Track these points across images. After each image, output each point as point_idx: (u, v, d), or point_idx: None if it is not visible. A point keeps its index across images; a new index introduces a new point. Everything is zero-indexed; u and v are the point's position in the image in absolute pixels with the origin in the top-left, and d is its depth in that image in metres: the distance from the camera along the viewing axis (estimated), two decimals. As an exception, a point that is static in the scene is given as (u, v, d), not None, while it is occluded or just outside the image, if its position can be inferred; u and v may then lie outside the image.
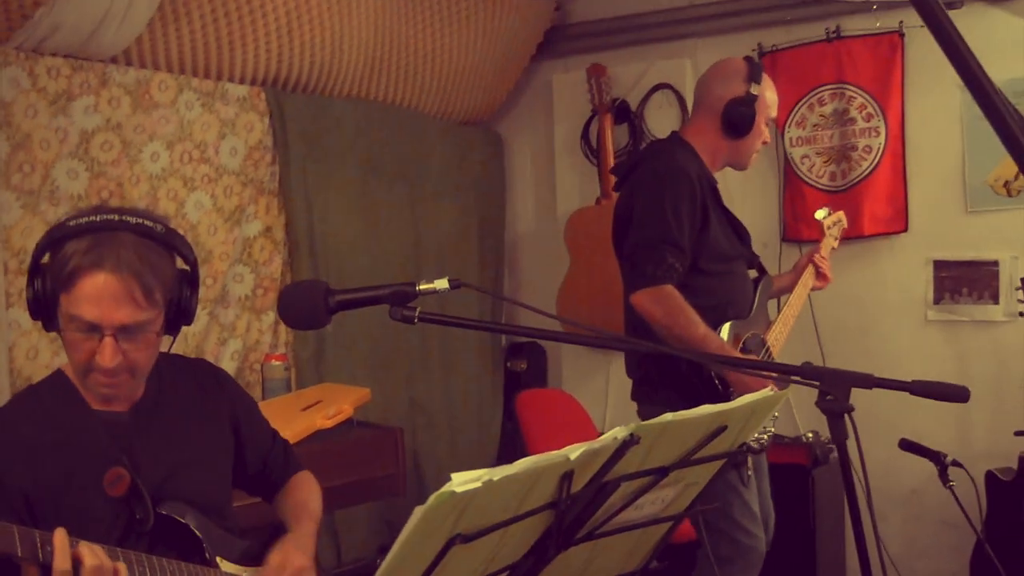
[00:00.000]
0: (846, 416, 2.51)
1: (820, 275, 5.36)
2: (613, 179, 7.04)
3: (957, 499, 4.59)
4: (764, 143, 5.15)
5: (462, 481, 1.82)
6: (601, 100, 7.39)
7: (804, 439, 6.47)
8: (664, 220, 4.69)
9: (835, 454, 6.30)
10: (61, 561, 2.53)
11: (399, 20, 6.69)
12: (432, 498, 1.81)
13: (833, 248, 5.60)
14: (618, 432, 2.06)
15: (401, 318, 2.62)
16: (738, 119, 4.97)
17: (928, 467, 4.90)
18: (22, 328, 5.02)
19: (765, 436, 4.88)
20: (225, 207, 5.88)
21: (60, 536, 2.56)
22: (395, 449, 5.41)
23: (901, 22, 6.69)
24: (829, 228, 5.60)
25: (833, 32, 6.89)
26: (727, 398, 4.61)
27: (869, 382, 2.55)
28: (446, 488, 1.81)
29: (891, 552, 2.64)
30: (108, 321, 2.79)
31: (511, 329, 2.81)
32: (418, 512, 1.82)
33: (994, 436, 6.39)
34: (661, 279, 4.63)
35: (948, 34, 1.71)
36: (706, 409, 2.24)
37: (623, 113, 7.56)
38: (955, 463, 4.72)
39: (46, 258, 2.87)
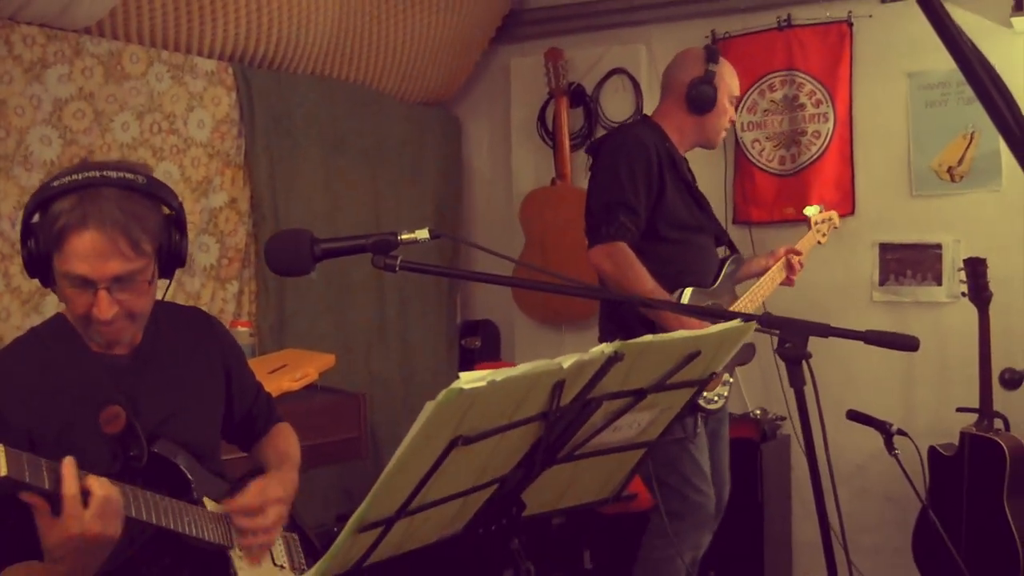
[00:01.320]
0: (804, 363, 2.67)
1: (791, 268, 5.48)
2: (568, 160, 7.26)
3: (902, 466, 4.70)
4: (731, 121, 5.41)
5: (469, 380, 1.97)
6: (558, 84, 7.52)
7: (752, 415, 6.64)
8: (619, 184, 4.99)
9: (782, 429, 6.52)
10: (70, 487, 2.61)
11: (363, 1, 6.79)
12: (441, 394, 1.96)
13: (819, 243, 5.77)
14: (605, 347, 2.22)
15: (383, 266, 2.71)
16: (700, 96, 5.24)
17: (873, 443, 5.06)
18: (-6, 290, 5.12)
19: (717, 398, 5.10)
20: (192, 178, 5.98)
21: (68, 463, 2.64)
22: (358, 414, 5.54)
23: (850, 12, 6.86)
24: (817, 224, 5.75)
25: (784, 20, 7.05)
26: None
27: (825, 331, 2.72)
28: (454, 385, 1.96)
29: (835, 527, 2.78)
30: (100, 275, 2.87)
31: (482, 277, 2.91)
32: (429, 407, 1.97)
33: (937, 413, 6.56)
34: (613, 236, 4.93)
35: (936, 10, 1.80)
36: (681, 333, 2.40)
37: (579, 97, 7.69)
38: (900, 432, 4.85)
39: (36, 218, 2.94)
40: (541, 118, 7.83)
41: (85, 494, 2.65)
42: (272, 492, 3.30)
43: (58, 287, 2.96)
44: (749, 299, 5.28)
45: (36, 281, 4.60)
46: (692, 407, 4.82)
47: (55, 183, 2.90)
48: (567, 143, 7.51)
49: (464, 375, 1.97)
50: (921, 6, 1.79)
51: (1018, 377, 5.55)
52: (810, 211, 5.77)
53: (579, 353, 2.16)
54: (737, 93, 5.44)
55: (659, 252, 5.04)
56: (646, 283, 4.83)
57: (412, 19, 7.18)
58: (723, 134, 5.44)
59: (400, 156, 7.53)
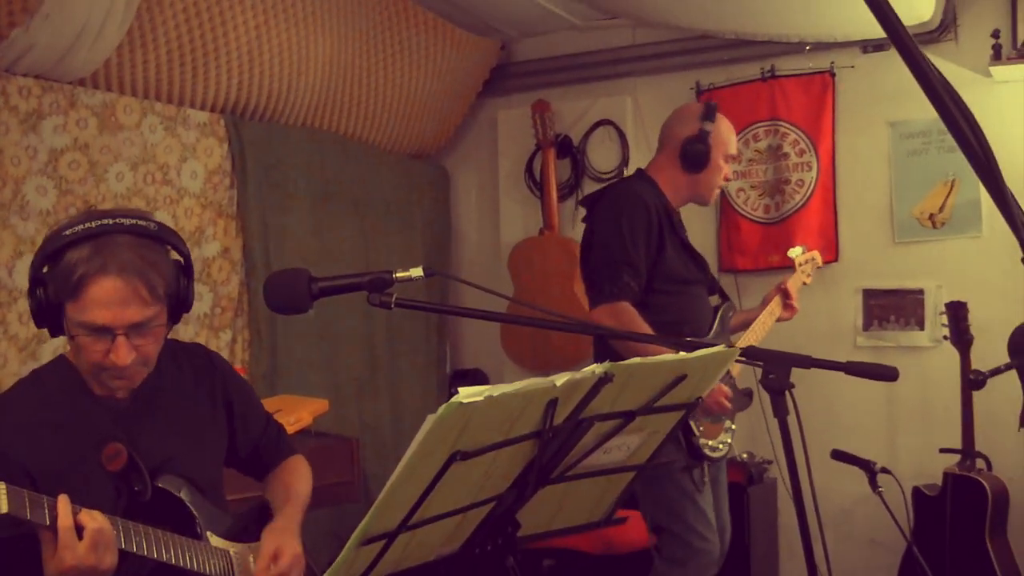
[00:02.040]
0: (787, 394, 2.76)
1: (788, 306, 5.54)
2: (556, 211, 7.31)
3: (885, 503, 4.77)
4: (726, 179, 5.44)
5: (467, 394, 2.06)
6: (545, 135, 7.61)
7: (739, 459, 6.69)
8: (621, 242, 5.02)
9: (769, 473, 6.58)
10: (64, 519, 2.66)
11: (353, 55, 6.89)
12: (441, 408, 2.05)
13: (805, 283, 5.81)
14: (596, 368, 2.31)
15: (379, 303, 2.76)
16: (694, 154, 5.26)
17: (858, 486, 5.14)
18: (-8, 337, 5.19)
19: (721, 446, 5.18)
20: (185, 228, 6.05)
21: (63, 500, 2.69)
22: (351, 458, 5.62)
23: (832, 63, 6.99)
24: (801, 265, 5.80)
25: (768, 71, 7.17)
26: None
27: (807, 362, 2.81)
28: (454, 399, 2.05)
29: (822, 570, 2.84)
30: (119, 322, 2.91)
31: (475, 313, 2.97)
32: (430, 420, 2.07)
33: (920, 455, 6.63)
34: (617, 296, 4.96)
35: (916, 58, 1.87)
36: (669, 356, 2.49)
37: (566, 148, 7.79)
38: (884, 470, 4.93)
39: (45, 269, 2.96)
40: (529, 169, 7.92)
41: (80, 528, 2.69)
42: (289, 548, 3.33)
43: (71, 336, 2.98)
44: (745, 343, 5.31)
45: (33, 328, 4.68)
46: (698, 455, 4.97)
47: (67, 232, 2.92)
48: (555, 194, 7.60)
49: (463, 390, 2.06)
50: (898, 49, 1.87)
51: (982, 378, 5.63)
52: (794, 252, 5.82)
53: (572, 372, 2.25)
54: (733, 152, 5.45)
55: (656, 303, 5.09)
56: (652, 344, 4.77)
57: (401, 73, 7.29)
58: (717, 191, 5.47)
59: (389, 207, 7.61)
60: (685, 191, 5.36)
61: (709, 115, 5.32)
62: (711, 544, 5.14)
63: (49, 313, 2.96)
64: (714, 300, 5.53)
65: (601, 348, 5.18)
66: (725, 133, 5.37)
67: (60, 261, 2.91)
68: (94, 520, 2.71)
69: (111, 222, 2.94)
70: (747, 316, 5.57)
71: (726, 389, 5.05)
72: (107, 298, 2.88)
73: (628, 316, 4.94)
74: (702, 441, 5.05)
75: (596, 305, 5.04)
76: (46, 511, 2.66)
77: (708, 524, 5.15)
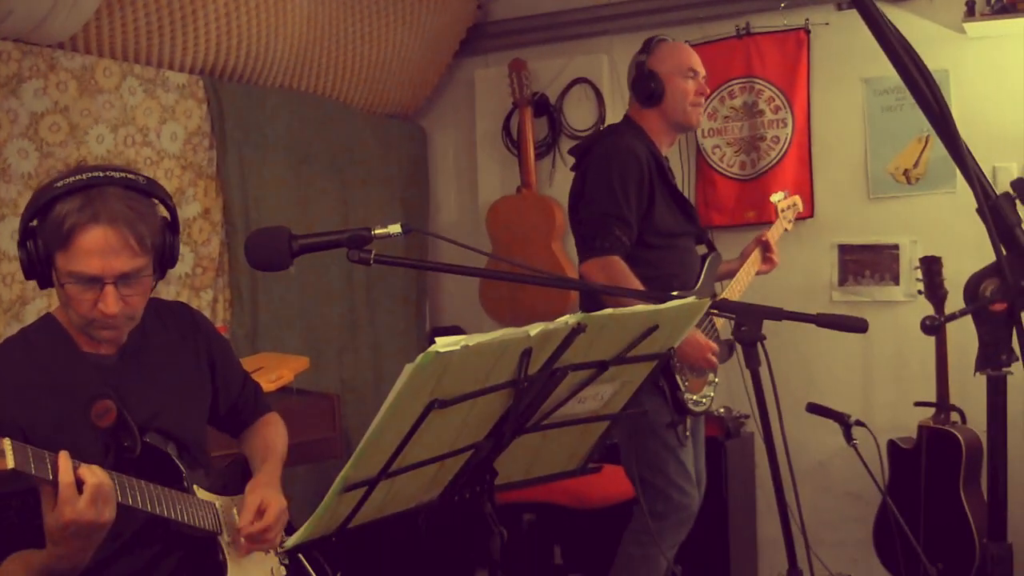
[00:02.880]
0: (758, 345, 2.84)
1: (767, 259, 5.67)
2: (533, 169, 7.34)
3: (860, 455, 4.82)
4: (699, 94, 5.42)
5: (444, 343, 2.12)
6: (521, 94, 7.62)
7: (716, 413, 6.75)
8: (613, 196, 5.07)
9: (746, 427, 6.65)
10: (65, 475, 2.71)
11: (330, 15, 6.90)
12: (419, 357, 2.11)
13: (786, 230, 5.91)
14: (569, 318, 2.37)
15: (358, 259, 2.84)
16: (642, 89, 5.34)
17: (833, 440, 5.20)
18: (-24, 298, 5.23)
19: (704, 399, 5.28)
20: (167, 189, 6.07)
21: (64, 455, 2.74)
22: (332, 414, 5.68)
23: (807, 19, 7.02)
24: (783, 211, 5.91)
25: (743, 29, 7.20)
26: (668, 366, 5.04)
27: (779, 314, 2.90)
28: (431, 349, 2.12)
29: (796, 521, 2.90)
30: (109, 271, 2.98)
31: (454, 268, 3.02)
32: (407, 369, 2.13)
33: (895, 409, 6.70)
34: (608, 250, 5.03)
35: (876, 20, 1.92)
36: (640, 307, 2.55)
37: (543, 106, 7.79)
38: (858, 423, 4.96)
39: (35, 222, 3.03)
40: (506, 128, 7.94)
41: (80, 483, 2.74)
42: (274, 502, 3.43)
43: (60, 287, 3.05)
44: (728, 294, 5.48)
45: (16, 290, 4.73)
46: (682, 409, 5.05)
47: (58, 184, 3.00)
48: (532, 152, 7.61)
49: (440, 340, 2.12)
50: (856, 7, 1.92)
51: (937, 323, 5.67)
52: (775, 198, 5.94)
53: (545, 323, 2.32)
54: (691, 64, 5.42)
55: (646, 258, 5.15)
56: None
57: (378, 33, 7.31)
58: (694, 111, 5.42)
59: (368, 167, 7.65)
60: (663, 126, 5.39)
61: (644, 49, 5.41)
62: (690, 498, 5.23)
63: (39, 265, 3.02)
64: (701, 250, 5.58)
65: (588, 303, 5.20)
66: (667, 54, 5.40)
67: (51, 213, 2.98)
68: (94, 475, 2.76)
69: (101, 174, 3.02)
70: (728, 267, 5.66)
71: (712, 344, 5.11)
72: (97, 247, 2.95)
73: (618, 270, 5.00)
74: (687, 396, 5.13)
75: (586, 259, 5.11)
76: (48, 466, 2.71)
77: (688, 478, 5.23)
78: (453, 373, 2.24)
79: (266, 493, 3.44)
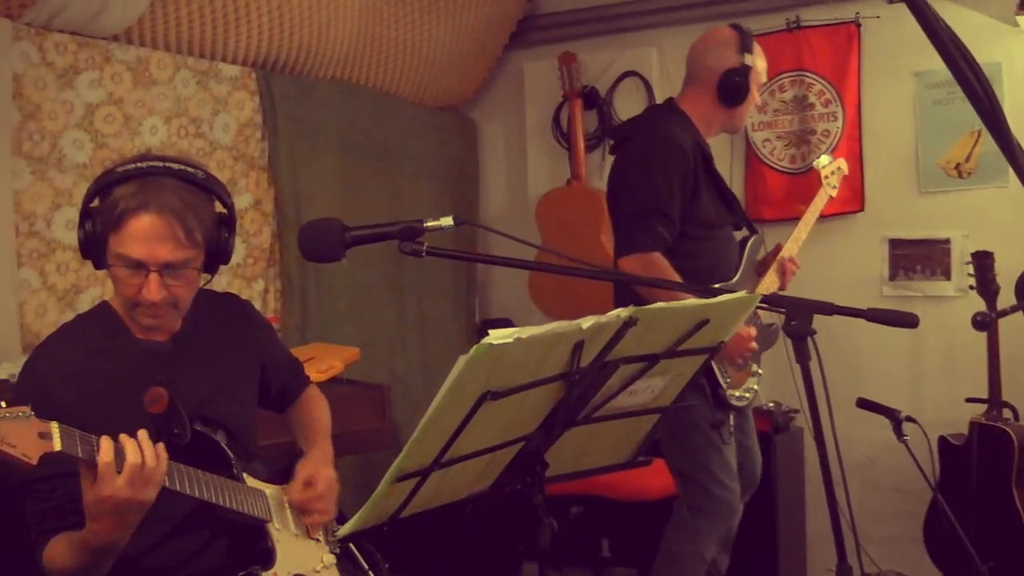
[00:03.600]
0: (809, 340, 2.84)
1: (783, 274, 5.38)
2: (583, 162, 7.33)
3: (910, 451, 4.79)
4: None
5: (497, 336, 2.14)
6: (571, 87, 7.64)
7: (766, 408, 6.74)
8: (655, 189, 4.92)
9: (795, 422, 6.63)
10: (105, 454, 2.74)
11: (381, 8, 6.93)
12: (472, 349, 2.13)
13: (831, 197, 5.67)
14: (621, 312, 2.38)
15: (410, 252, 2.86)
16: (733, 89, 5.16)
17: (883, 435, 5.14)
18: (31, 287, 5.28)
19: (748, 393, 5.22)
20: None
21: (106, 438, 2.78)
22: (382, 405, 5.70)
23: (857, 13, 6.99)
24: (827, 177, 5.66)
25: (793, 22, 7.18)
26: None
27: (829, 309, 2.89)
28: (484, 341, 2.14)
29: (845, 517, 2.90)
30: (153, 258, 3.03)
31: (505, 261, 3.03)
32: (461, 361, 2.16)
33: (946, 404, 6.65)
34: (649, 247, 4.87)
35: (925, 13, 1.92)
36: (691, 301, 2.56)
37: (592, 99, 7.80)
38: (909, 419, 4.93)
39: (95, 202, 3.10)
40: (555, 120, 7.95)
41: (121, 462, 2.78)
42: (323, 474, 3.53)
43: (110, 268, 3.11)
44: (764, 290, 5.29)
45: (71, 279, 4.79)
46: (723, 405, 5.00)
47: (118, 169, 3.07)
48: (582, 145, 7.63)
49: (493, 332, 2.14)
50: (909, 6, 1.92)
51: (989, 319, 5.66)
52: (821, 162, 5.67)
53: (597, 316, 2.33)
54: (765, 79, 5.39)
55: (685, 249, 5.01)
56: (681, 292, 4.67)
57: (429, 26, 7.33)
58: (746, 121, 5.45)
59: (417, 159, 7.69)
60: (718, 124, 5.29)
61: (747, 46, 5.20)
62: (732, 494, 5.16)
63: (95, 245, 3.09)
64: (739, 234, 5.47)
65: (623, 296, 5.07)
66: (761, 63, 5.28)
67: (109, 195, 3.05)
68: (135, 454, 2.79)
69: (161, 164, 3.09)
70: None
71: (750, 331, 4.99)
72: (143, 233, 3.01)
73: (659, 267, 4.85)
74: (729, 392, 5.06)
75: (626, 254, 4.95)
76: (93, 447, 2.75)
77: (731, 474, 5.17)
78: (505, 365, 2.26)
79: (315, 467, 3.54)
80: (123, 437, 2.81)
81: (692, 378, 2.80)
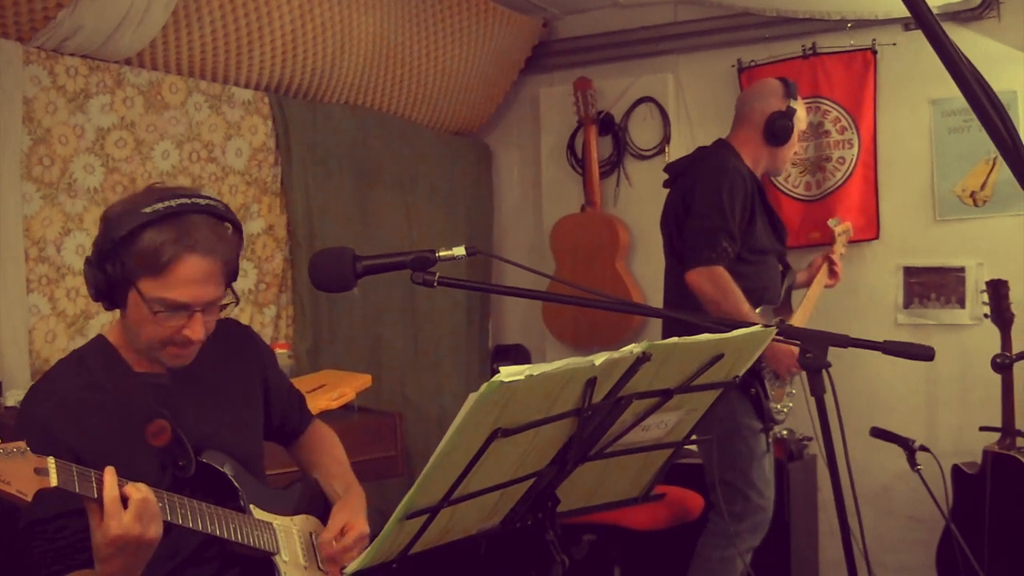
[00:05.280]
0: (823, 372, 2.81)
1: (832, 273, 5.87)
2: (598, 188, 7.36)
3: (924, 481, 4.77)
4: (795, 154, 5.78)
5: (509, 373, 2.11)
6: (587, 112, 7.63)
7: (779, 435, 6.71)
8: (721, 212, 5.29)
9: (809, 449, 6.61)
10: (110, 490, 2.70)
11: (396, 33, 6.92)
12: (483, 386, 2.10)
13: (841, 254, 6.00)
14: (634, 347, 2.35)
15: (422, 281, 2.83)
16: (780, 130, 5.56)
17: (896, 463, 5.16)
18: (41, 313, 5.26)
19: (785, 409, 5.52)
20: (231, 205, 6.01)
21: (109, 471, 2.73)
22: (394, 432, 5.68)
23: (874, 40, 6.97)
24: (838, 235, 6.05)
25: (809, 49, 7.16)
26: (758, 370, 5.32)
27: (844, 341, 2.86)
28: (495, 378, 2.11)
29: (859, 545, 2.87)
30: (199, 300, 3.00)
31: (517, 292, 3.01)
32: (471, 398, 2.13)
33: (960, 433, 6.65)
34: (715, 261, 5.25)
35: (942, 42, 1.90)
36: (706, 336, 2.53)
37: (607, 125, 7.79)
38: (923, 448, 4.93)
39: (120, 245, 2.99)
40: (570, 146, 7.94)
41: (125, 499, 2.73)
42: (357, 527, 3.43)
43: (140, 310, 3.03)
44: (802, 312, 5.66)
45: (80, 305, 4.76)
46: (765, 416, 5.29)
47: (145, 210, 2.98)
48: (596, 170, 7.63)
49: (504, 369, 2.11)
50: (924, 31, 1.90)
51: (1009, 361, 5.70)
52: (832, 223, 6.15)
53: (610, 352, 2.30)
54: (804, 127, 5.77)
55: (741, 271, 5.35)
56: (743, 307, 5.17)
57: (444, 51, 7.32)
58: (788, 165, 5.83)
59: (432, 184, 7.66)
60: (764, 163, 5.68)
61: (793, 93, 5.62)
62: (767, 503, 5.45)
63: (117, 288, 3.03)
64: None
65: (676, 308, 5.47)
66: (801, 112, 5.65)
67: (139, 238, 2.96)
68: (138, 491, 2.75)
69: (188, 201, 3.03)
70: (799, 279, 5.89)
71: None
72: (193, 276, 2.97)
73: (724, 281, 5.23)
74: (772, 405, 5.39)
75: (693, 267, 5.29)
76: (94, 484, 2.70)
77: (768, 484, 5.46)
78: (517, 402, 2.24)
79: (352, 517, 3.46)
80: (128, 484, 2.77)
81: (715, 404, 2.78)
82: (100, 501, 2.72)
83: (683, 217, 5.48)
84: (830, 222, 6.13)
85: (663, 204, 5.73)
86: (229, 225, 3.17)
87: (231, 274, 3.15)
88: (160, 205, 2.99)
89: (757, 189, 5.54)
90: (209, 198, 3.12)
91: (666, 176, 5.83)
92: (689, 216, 5.43)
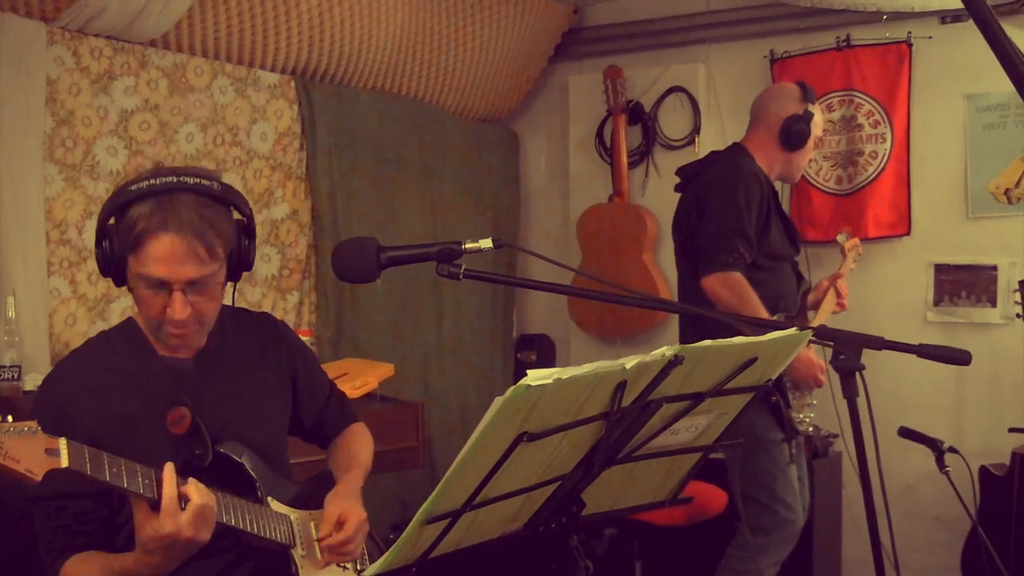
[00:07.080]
0: (857, 375, 2.73)
1: (839, 304, 5.71)
2: (626, 178, 7.30)
3: (952, 483, 4.72)
4: (810, 161, 5.72)
5: (536, 377, 2.05)
6: (616, 101, 7.57)
7: (806, 431, 6.65)
8: (738, 214, 5.23)
9: (834, 447, 6.54)
10: (170, 488, 2.71)
11: (423, 18, 6.87)
12: (510, 390, 2.04)
13: (851, 269, 5.93)
14: (666, 351, 2.28)
15: (448, 274, 2.77)
16: (796, 134, 5.47)
17: (924, 463, 5.11)
18: (61, 296, 5.22)
19: (807, 419, 5.40)
20: (255, 189, 6.07)
21: (169, 468, 2.75)
22: (416, 423, 5.64)
23: (909, 32, 6.88)
24: (849, 251, 5.95)
25: (843, 41, 7.07)
26: (781, 383, 5.25)
27: (879, 344, 2.77)
28: (522, 382, 2.04)
29: (886, 545, 2.82)
30: (176, 277, 2.96)
31: (542, 285, 2.97)
32: (497, 402, 2.06)
33: (989, 433, 6.57)
34: (732, 266, 5.19)
35: (993, 30, 1.84)
36: (740, 339, 2.46)
37: (637, 114, 7.72)
38: (951, 450, 4.87)
39: (112, 221, 3.03)
40: (599, 135, 7.87)
41: (184, 499, 2.75)
42: (354, 513, 3.34)
43: (132, 288, 3.05)
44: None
45: (102, 288, 4.73)
46: (787, 427, 5.20)
47: (132, 187, 2.99)
48: (625, 160, 7.56)
49: (532, 372, 2.05)
50: (977, 24, 1.83)
51: None
52: (841, 238, 6.05)
53: (641, 355, 2.23)
54: (820, 134, 5.67)
55: (757, 278, 5.28)
56: (760, 312, 5.10)
57: (472, 37, 7.26)
58: (802, 172, 5.72)
59: (459, 171, 7.61)
60: (778, 168, 5.60)
61: (810, 97, 5.52)
62: (795, 515, 5.39)
63: (113, 264, 3.04)
64: None
65: (695, 325, 5.33)
66: (818, 117, 5.56)
67: (125, 215, 2.98)
68: (199, 495, 2.78)
69: (175, 180, 3.01)
70: (809, 298, 5.74)
71: (822, 363, 5.21)
72: (165, 254, 2.94)
73: (741, 286, 5.17)
74: (794, 415, 5.30)
75: (709, 273, 5.22)
76: (106, 467, 2.68)
77: (795, 495, 5.38)
78: (544, 406, 2.17)
79: (346, 505, 3.38)
80: (191, 482, 2.80)
81: (749, 402, 2.71)
82: (140, 495, 2.71)
83: (697, 221, 5.41)
84: (839, 237, 6.02)
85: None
86: (227, 206, 3.13)
87: (226, 256, 3.10)
88: (146, 183, 2.99)
89: (772, 194, 5.48)
90: (206, 177, 3.09)
91: (678, 180, 5.77)
92: (703, 219, 5.37)
